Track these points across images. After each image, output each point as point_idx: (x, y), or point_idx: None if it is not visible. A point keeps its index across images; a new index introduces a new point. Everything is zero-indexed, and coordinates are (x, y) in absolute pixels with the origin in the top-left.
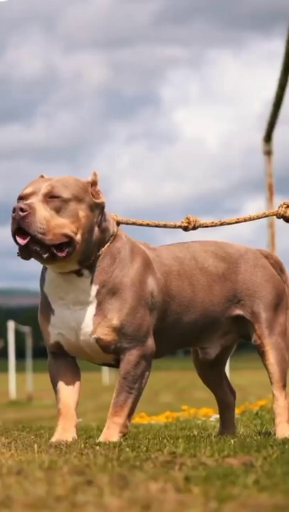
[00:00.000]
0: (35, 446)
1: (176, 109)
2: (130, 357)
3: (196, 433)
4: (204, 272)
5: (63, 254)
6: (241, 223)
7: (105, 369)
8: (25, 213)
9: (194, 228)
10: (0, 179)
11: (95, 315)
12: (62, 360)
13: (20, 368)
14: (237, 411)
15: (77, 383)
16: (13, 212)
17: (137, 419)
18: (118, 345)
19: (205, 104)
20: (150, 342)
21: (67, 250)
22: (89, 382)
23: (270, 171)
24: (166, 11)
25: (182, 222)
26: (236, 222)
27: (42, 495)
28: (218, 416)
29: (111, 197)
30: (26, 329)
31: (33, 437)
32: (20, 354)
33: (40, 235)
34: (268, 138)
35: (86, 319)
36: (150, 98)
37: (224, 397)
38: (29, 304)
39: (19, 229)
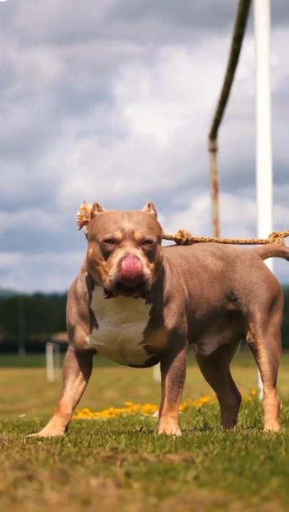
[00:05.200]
0: None
1: (128, 105)
2: (180, 355)
3: (138, 429)
4: (205, 269)
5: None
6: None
7: (50, 366)
8: (138, 265)
9: (187, 242)
10: None
11: (146, 328)
12: (81, 360)
13: None
14: (180, 408)
15: (84, 384)
16: (126, 262)
17: (80, 415)
18: (167, 347)
19: (157, 101)
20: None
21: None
22: (34, 378)
23: (215, 168)
24: (120, 6)
25: (176, 234)
26: (224, 243)
27: None
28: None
29: (61, 193)
30: None
31: None
32: None
33: (148, 282)
34: (214, 135)
35: (137, 334)
36: (103, 94)
37: (224, 398)
38: None
39: (124, 277)
